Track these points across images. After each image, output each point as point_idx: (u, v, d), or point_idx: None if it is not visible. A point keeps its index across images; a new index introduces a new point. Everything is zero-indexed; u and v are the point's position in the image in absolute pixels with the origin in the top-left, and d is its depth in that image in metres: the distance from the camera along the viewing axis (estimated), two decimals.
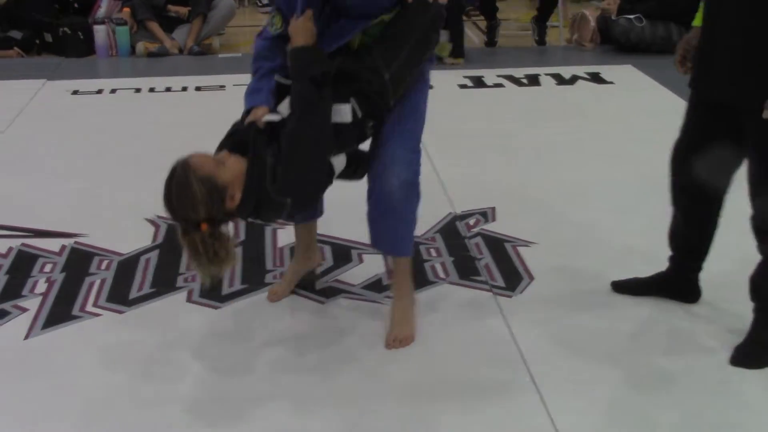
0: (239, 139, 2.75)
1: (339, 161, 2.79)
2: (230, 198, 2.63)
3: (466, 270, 3.47)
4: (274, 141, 2.67)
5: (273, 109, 2.77)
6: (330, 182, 2.81)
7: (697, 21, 2.83)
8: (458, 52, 6.54)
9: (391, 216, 2.90)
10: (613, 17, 6.78)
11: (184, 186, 2.58)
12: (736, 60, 2.62)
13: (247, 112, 2.80)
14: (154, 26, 7.03)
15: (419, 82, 2.90)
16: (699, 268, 3.13)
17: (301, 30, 2.69)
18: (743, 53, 2.59)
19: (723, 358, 2.84)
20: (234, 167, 2.65)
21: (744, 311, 2.92)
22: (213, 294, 3.27)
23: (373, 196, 2.90)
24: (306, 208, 3.03)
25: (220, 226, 2.66)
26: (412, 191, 2.89)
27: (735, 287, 3.03)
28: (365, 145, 2.93)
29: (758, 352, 2.84)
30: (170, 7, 7.02)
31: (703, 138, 2.83)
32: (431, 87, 3.04)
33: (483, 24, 7.47)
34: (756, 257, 2.81)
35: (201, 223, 2.60)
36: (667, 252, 3.14)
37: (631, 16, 6.67)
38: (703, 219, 3.00)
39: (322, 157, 2.70)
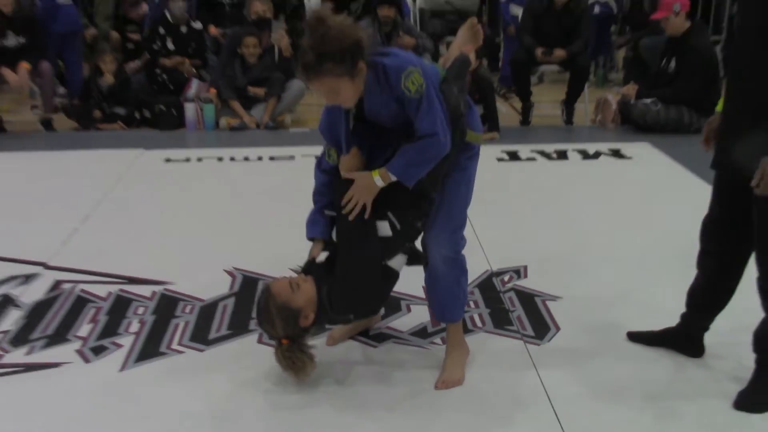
0: (308, 269, 2.91)
1: (398, 262, 2.86)
2: (304, 318, 2.80)
3: (501, 320, 3.46)
4: (331, 271, 2.82)
5: (328, 239, 2.90)
6: (393, 281, 2.91)
7: (719, 107, 2.83)
8: (493, 126, 6.57)
9: (437, 287, 2.96)
10: (632, 101, 6.77)
11: (267, 312, 2.80)
12: (747, 140, 2.59)
13: (311, 239, 2.95)
14: (236, 105, 7.15)
15: (456, 172, 2.87)
16: (706, 328, 3.09)
17: (349, 167, 2.78)
18: (753, 134, 2.57)
19: (728, 403, 2.80)
20: (307, 291, 2.81)
21: (747, 362, 2.88)
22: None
23: (426, 272, 2.97)
24: (370, 314, 3.20)
25: (299, 339, 2.83)
26: (454, 266, 2.92)
27: (739, 340, 2.99)
28: None
29: (759, 398, 2.80)
30: (250, 88, 7.14)
31: (727, 212, 2.80)
32: None
33: (519, 105, 7.50)
34: (759, 314, 2.78)
35: (281, 339, 2.80)
36: (680, 309, 3.10)
37: (648, 101, 6.66)
38: (723, 286, 2.96)
39: (372, 278, 2.79)
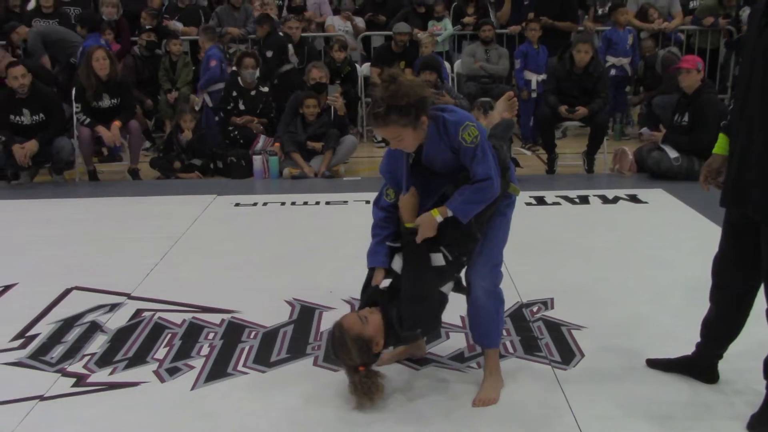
0: (372, 296, 2.89)
1: (447, 288, 2.88)
2: (376, 345, 2.80)
3: (530, 347, 3.38)
4: (394, 296, 2.81)
5: (388, 268, 2.89)
6: (444, 305, 2.88)
7: (716, 149, 2.75)
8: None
9: (478, 316, 2.94)
10: (659, 143, 6.65)
11: (343, 344, 2.79)
12: (753, 181, 2.52)
13: (371, 270, 2.94)
14: (297, 156, 7.18)
15: (497, 216, 2.89)
16: (720, 356, 2.98)
17: (408, 205, 2.82)
18: (758, 176, 2.50)
19: (741, 425, 2.70)
20: (375, 322, 2.81)
21: (758, 387, 2.76)
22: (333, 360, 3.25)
23: (468, 301, 2.96)
24: (433, 330, 3.14)
25: (372, 365, 2.84)
26: (493, 297, 2.93)
27: (750, 367, 2.88)
28: None
29: None
30: (309, 142, 7.18)
31: (736, 248, 2.72)
32: None
33: (544, 156, 7.44)
34: None
35: (358, 367, 2.79)
36: (694, 338, 3.00)
37: (674, 155, 6.55)
38: (735, 318, 2.85)
39: (433, 297, 2.81)
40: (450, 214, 2.73)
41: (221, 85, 7.94)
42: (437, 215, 2.74)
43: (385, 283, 2.89)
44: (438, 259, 2.80)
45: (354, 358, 2.79)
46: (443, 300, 2.87)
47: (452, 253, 2.81)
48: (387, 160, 2.92)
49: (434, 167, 2.81)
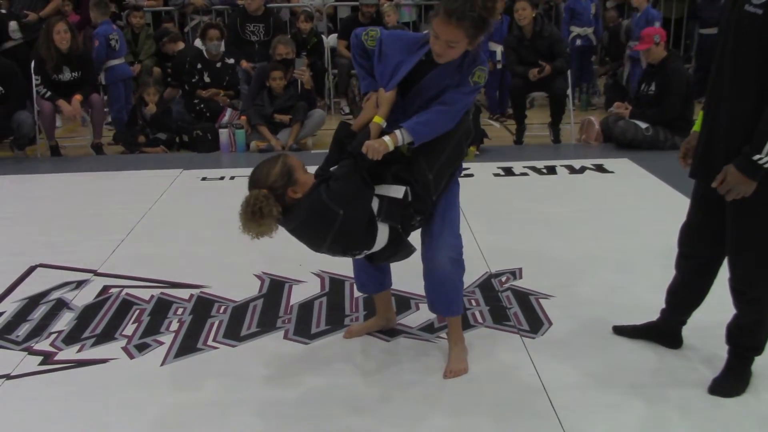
0: (340, 132, 2.84)
1: (382, 231, 2.72)
2: (293, 191, 2.66)
3: (499, 317, 3.41)
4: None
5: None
6: (372, 242, 2.72)
7: (696, 126, 2.78)
8: (476, 142, 6.51)
9: (443, 286, 2.88)
10: (627, 118, 6.70)
11: (271, 163, 2.70)
12: (722, 152, 2.54)
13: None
14: (264, 129, 7.13)
15: (454, 183, 2.88)
16: (684, 323, 3.04)
17: (387, 100, 2.72)
18: (726, 148, 2.52)
19: (704, 388, 2.77)
20: (310, 179, 2.71)
21: (720, 352, 2.84)
22: (304, 333, 3.26)
23: (427, 272, 2.87)
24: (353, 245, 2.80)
25: (274, 200, 2.63)
26: (458, 266, 2.88)
27: (712, 333, 2.93)
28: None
29: (732, 383, 2.76)
30: (276, 115, 7.13)
31: (703, 219, 2.75)
32: (472, 176, 3.03)
33: (513, 127, 7.47)
34: (730, 310, 2.73)
35: (263, 188, 2.64)
36: (660, 305, 3.05)
37: (642, 124, 6.59)
38: (699, 286, 2.90)
39: (364, 198, 2.67)
40: (400, 138, 2.65)
41: (118, 62, 7.72)
42: (387, 137, 2.65)
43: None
44: (398, 191, 2.70)
45: (269, 176, 2.65)
46: (372, 233, 2.70)
47: (412, 201, 2.70)
48: (391, 44, 2.76)
49: (425, 93, 2.71)
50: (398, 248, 2.82)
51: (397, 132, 2.68)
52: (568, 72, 7.18)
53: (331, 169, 2.74)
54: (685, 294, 2.96)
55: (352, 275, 3.26)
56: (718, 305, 2.86)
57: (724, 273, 2.73)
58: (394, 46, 2.75)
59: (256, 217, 2.60)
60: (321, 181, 2.68)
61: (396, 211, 2.71)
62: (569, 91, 7.46)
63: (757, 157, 2.39)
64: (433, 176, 2.74)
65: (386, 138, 2.66)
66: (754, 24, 2.38)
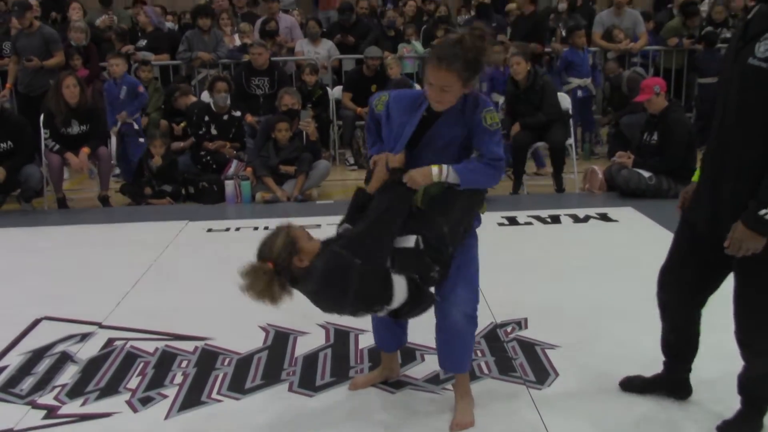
0: (359, 198, 2.85)
1: (399, 284, 2.67)
2: (299, 260, 2.66)
3: (505, 367, 3.39)
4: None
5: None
6: (390, 295, 2.67)
7: (696, 177, 2.79)
8: None
9: (455, 343, 2.86)
10: (630, 167, 6.71)
11: (274, 235, 2.71)
12: (725, 203, 2.55)
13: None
14: (269, 181, 7.17)
15: (472, 237, 2.87)
16: (688, 370, 3.01)
17: (397, 161, 2.74)
18: (730, 200, 2.53)
19: None
20: (316, 245, 2.73)
21: (727, 398, 2.82)
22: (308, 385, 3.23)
23: (441, 328, 2.85)
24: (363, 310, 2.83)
25: (281, 275, 2.65)
26: (471, 322, 2.86)
27: (721, 379, 2.92)
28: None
29: (741, 427, 2.76)
30: (281, 167, 7.17)
31: (682, 265, 2.76)
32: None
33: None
34: (734, 353, 2.71)
35: (269, 261, 2.64)
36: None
37: (646, 174, 6.60)
38: (690, 333, 2.88)
39: (384, 250, 2.67)
40: (446, 173, 2.66)
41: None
42: (435, 168, 2.66)
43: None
44: (409, 240, 2.69)
45: (273, 250, 2.65)
46: (387, 287, 2.65)
47: (425, 250, 2.68)
48: (397, 105, 2.81)
49: (434, 143, 2.73)
50: (420, 300, 2.77)
51: (445, 167, 2.68)
52: (570, 122, 7.23)
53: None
54: (676, 341, 2.94)
55: (356, 326, 3.24)
56: (726, 355, 2.83)
57: (727, 310, 2.69)
58: (397, 107, 2.81)
59: (264, 292, 2.65)
60: (330, 242, 2.70)
61: (409, 260, 2.68)
62: (572, 141, 7.50)
63: (763, 212, 2.39)
64: (449, 228, 2.72)
65: (434, 168, 2.68)
66: (759, 77, 2.39)
